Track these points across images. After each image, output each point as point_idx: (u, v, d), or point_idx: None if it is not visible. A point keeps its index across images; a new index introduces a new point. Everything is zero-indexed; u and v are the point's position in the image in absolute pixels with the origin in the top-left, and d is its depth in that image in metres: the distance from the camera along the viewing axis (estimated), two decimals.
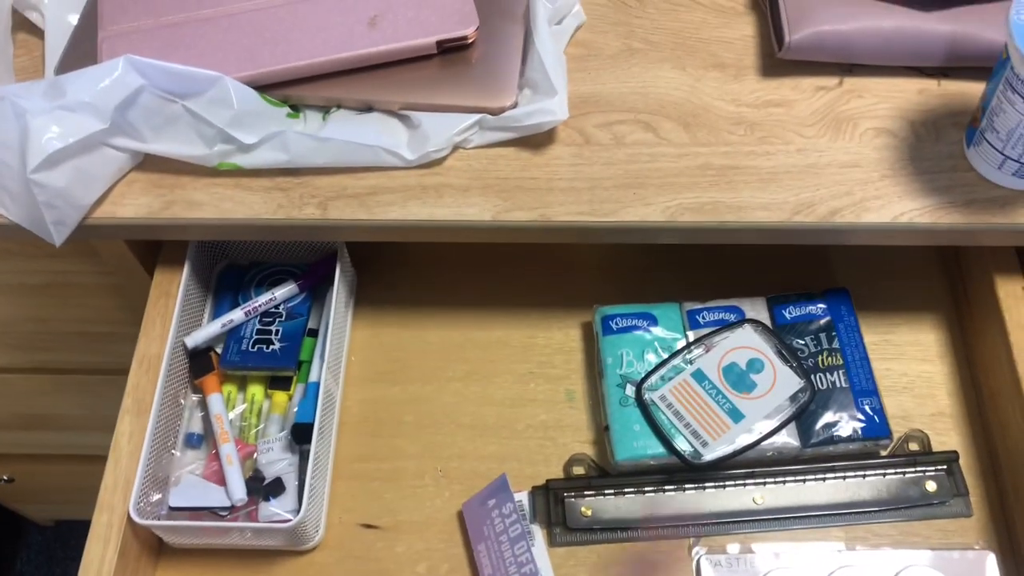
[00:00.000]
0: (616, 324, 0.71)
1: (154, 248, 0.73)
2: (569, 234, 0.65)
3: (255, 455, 0.67)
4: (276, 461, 0.66)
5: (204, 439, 0.69)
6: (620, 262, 0.79)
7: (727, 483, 0.67)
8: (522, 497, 0.67)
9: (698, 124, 0.68)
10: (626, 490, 0.67)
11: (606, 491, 0.67)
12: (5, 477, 1.21)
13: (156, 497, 0.64)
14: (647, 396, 0.68)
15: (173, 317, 0.69)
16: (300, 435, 0.65)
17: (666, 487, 0.67)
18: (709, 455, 0.66)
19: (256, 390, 0.71)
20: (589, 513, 0.66)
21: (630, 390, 0.68)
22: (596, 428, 0.71)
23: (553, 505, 0.67)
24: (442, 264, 0.79)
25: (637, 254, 0.79)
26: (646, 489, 0.67)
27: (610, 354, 0.70)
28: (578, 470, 0.69)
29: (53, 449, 1.15)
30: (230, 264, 0.76)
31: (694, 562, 0.65)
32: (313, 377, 0.69)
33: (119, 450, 0.64)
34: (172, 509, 0.64)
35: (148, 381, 0.67)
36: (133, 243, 0.72)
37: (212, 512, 0.64)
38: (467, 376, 0.74)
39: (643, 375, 0.69)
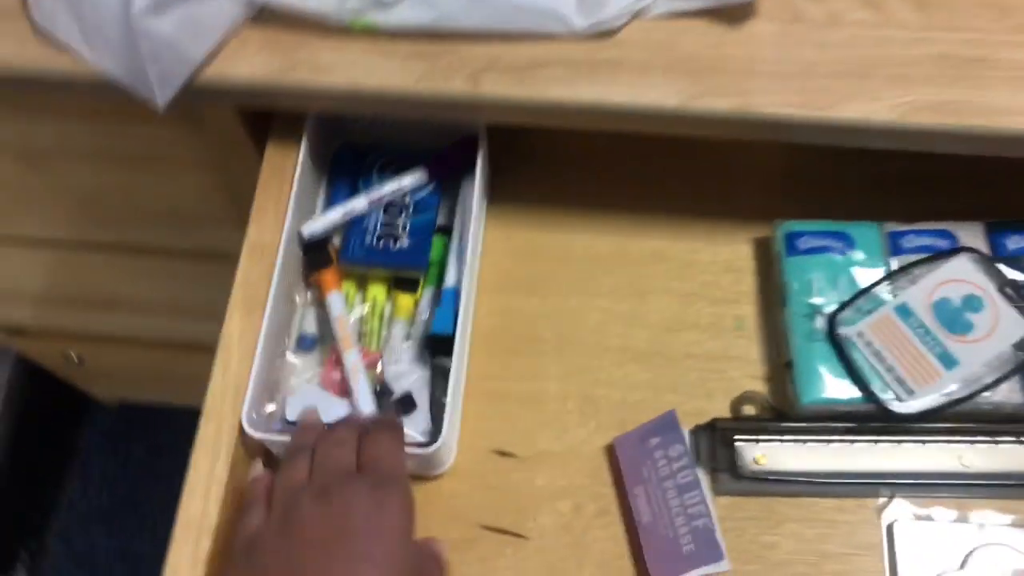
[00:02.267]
0: (804, 244, 0.60)
1: (263, 123, 0.63)
2: (773, 129, 0.54)
3: (379, 365, 0.59)
4: (405, 374, 0.58)
5: (318, 343, 0.61)
6: (803, 170, 0.67)
7: (929, 439, 0.57)
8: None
9: (935, 3, 0.55)
10: (808, 438, 0.57)
11: (784, 437, 0.57)
12: (76, 356, 1.16)
13: (270, 408, 0.56)
14: (841, 331, 0.57)
15: (289, 202, 0.59)
16: (437, 347, 0.56)
17: (856, 438, 0.57)
18: (913, 405, 0.56)
19: (378, 291, 0.62)
20: (763, 461, 0.57)
21: (820, 322, 0.58)
22: (770, 363, 0.61)
23: (719, 448, 0.57)
24: (592, 159, 0.68)
25: (824, 162, 0.67)
26: (832, 439, 0.57)
27: (796, 278, 0.59)
28: (750, 410, 0.59)
29: (129, 332, 1.08)
30: (347, 144, 0.65)
31: (883, 527, 0.56)
32: (450, 282, 0.59)
33: (228, 352, 0.56)
34: (288, 423, 0.56)
35: (260, 274, 0.58)
36: (243, 113, 0.62)
37: None
38: (616, 292, 0.63)
39: (837, 306, 0.58)
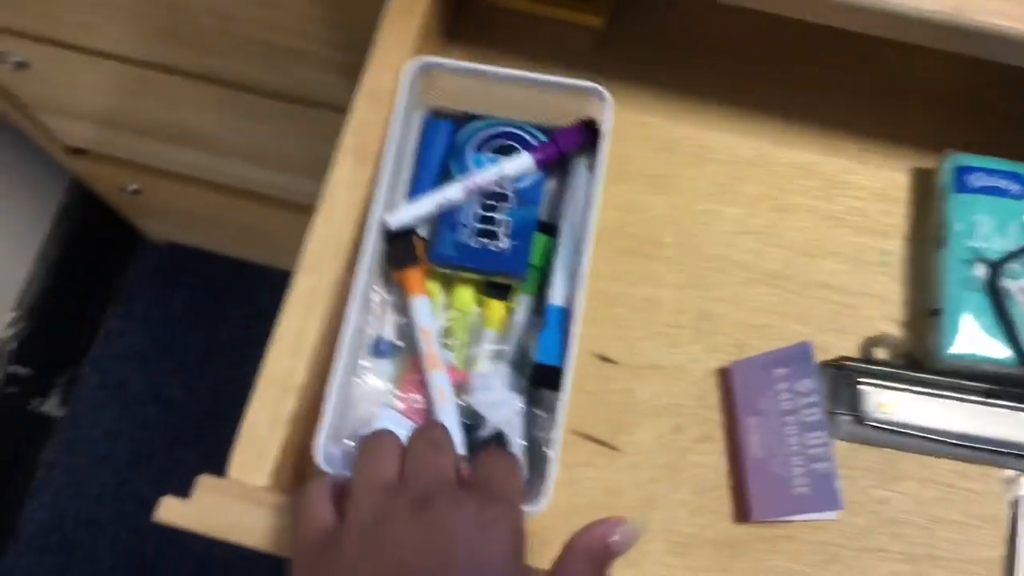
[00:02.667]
0: (975, 181, 0.54)
1: None
2: (985, 43, 0.47)
3: (468, 389, 0.51)
4: (497, 404, 0.50)
5: (395, 351, 0.52)
6: (979, 100, 0.60)
7: None
8: None
9: None
10: (943, 393, 0.52)
11: (916, 388, 0.52)
12: (133, 188, 1.11)
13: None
14: (1005, 283, 0.52)
15: (411, 48, 0.53)
16: (541, 379, 0.49)
17: (996, 401, 0.52)
18: None
19: (464, 294, 0.53)
20: (889, 409, 0.52)
21: (980, 270, 0.52)
22: (914, 307, 0.55)
23: (843, 389, 0.52)
24: (746, 54, 0.61)
25: (1009, 93, 0.59)
26: (969, 398, 0.52)
27: (960, 218, 0.53)
28: (881, 353, 0.54)
29: (192, 170, 1.03)
30: (436, 112, 0.57)
31: (1009, 499, 0.51)
32: (556, 299, 0.51)
33: (333, 201, 0.51)
34: None
35: (376, 120, 0.52)
36: None
37: None
38: (753, 203, 0.58)
39: (1003, 255, 0.52)
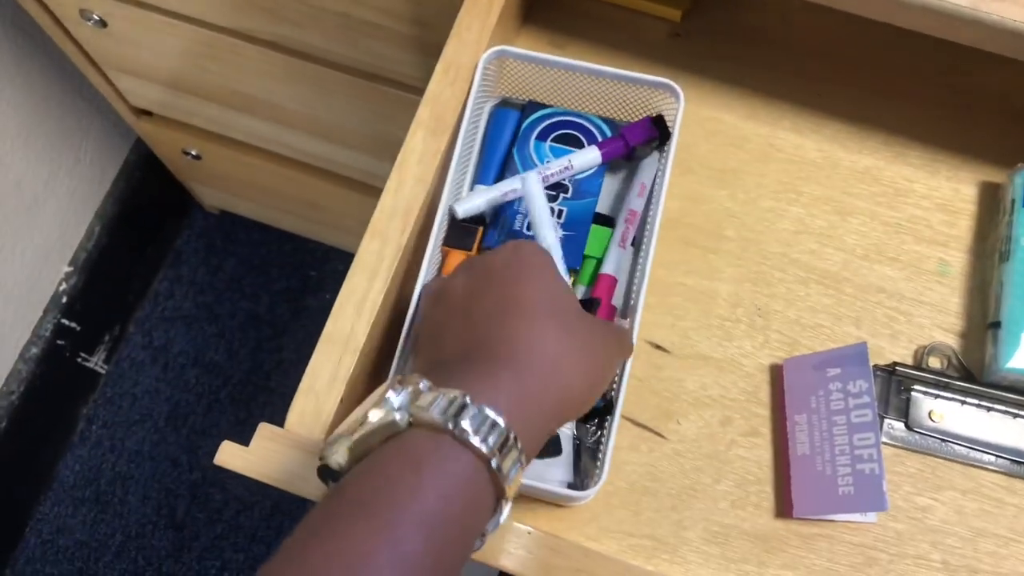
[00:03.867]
0: None
1: None
2: None
3: None
4: None
5: None
6: None
7: None
8: None
9: None
10: (995, 406, 0.52)
11: (968, 399, 0.52)
12: (194, 152, 1.14)
13: None
14: None
15: (491, 26, 0.54)
16: (593, 412, 0.50)
17: None
18: None
19: None
20: (939, 419, 0.52)
21: None
22: (969, 318, 0.55)
23: (894, 394, 0.53)
24: (811, 52, 0.61)
25: None
26: (1022, 413, 0.52)
27: None
28: (935, 362, 0.54)
29: (253, 139, 1.05)
30: (504, 102, 0.58)
31: None
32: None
33: (404, 170, 0.52)
34: None
35: (452, 95, 0.53)
36: None
37: None
38: (815, 203, 0.58)
39: None
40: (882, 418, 0.52)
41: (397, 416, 0.35)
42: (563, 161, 0.53)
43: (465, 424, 0.34)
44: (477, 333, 0.40)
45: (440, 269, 0.53)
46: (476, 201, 0.52)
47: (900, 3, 0.47)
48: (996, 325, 0.53)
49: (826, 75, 0.61)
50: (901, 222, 0.57)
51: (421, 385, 0.36)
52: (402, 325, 0.49)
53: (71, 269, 1.24)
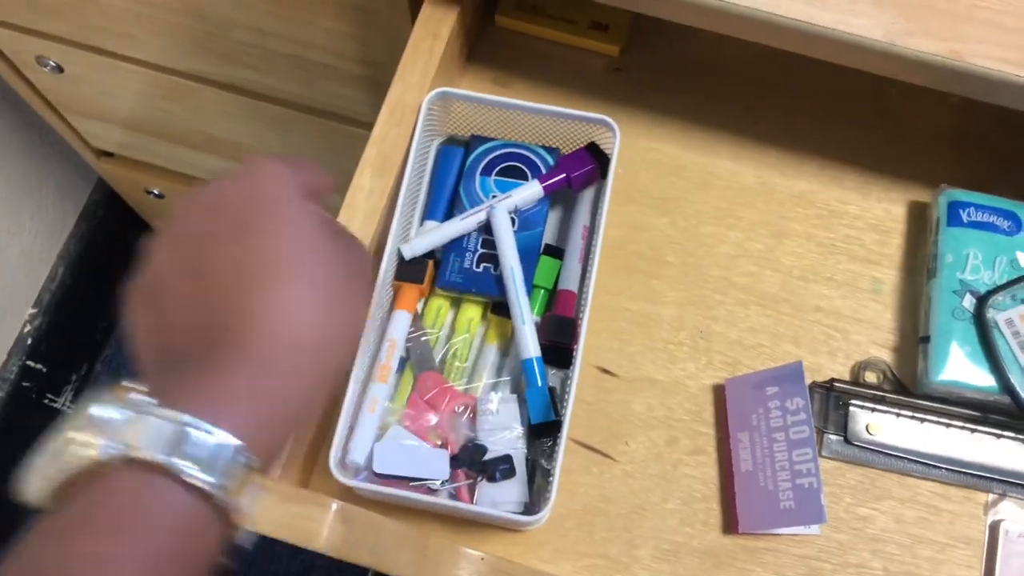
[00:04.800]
0: (968, 215, 0.56)
1: None
2: (979, 86, 0.49)
3: (476, 413, 0.52)
4: (499, 430, 0.51)
5: (408, 363, 0.54)
6: (975, 137, 0.62)
7: None
8: None
9: None
10: (928, 417, 0.54)
11: (903, 411, 0.54)
12: (157, 191, 1.15)
13: (358, 450, 0.50)
14: (991, 315, 0.54)
15: (435, 67, 0.56)
16: (543, 432, 0.51)
17: (979, 428, 0.54)
18: None
19: (472, 312, 0.55)
20: (876, 431, 0.54)
21: (968, 301, 0.54)
22: (902, 333, 0.57)
23: (833, 409, 0.55)
24: (747, 81, 0.64)
25: (1002, 132, 0.62)
26: (953, 423, 0.54)
27: (952, 250, 0.56)
28: (871, 377, 0.56)
29: (214, 175, 1.07)
30: (449, 139, 0.60)
31: (987, 523, 0.53)
32: (530, 352, 0.51)
33: (353, 208, 0.53)
34: (376, 475, 0.50)
35: (399, 135, 0.55)
36: None
37: (423, 483, 0.50)
38: (753, 227, 0.60)
39: (990, 287, 0.54)
40: (822, 432, 0.55)
41: (101, 447, 0.29)
42: (506, 202, 0.55)
43: (186, 460, 0.29)
44: (209, 305, 0.33)
45: (392, 303, 0.54)
46: (423, 241, 0.54)
47: (820, 38, 0.49)
48: (926, 339, 0.55)
49: (761, 103, 0.63)
50: (836, 242, 0.60)
51: (135, 400, 0.30)
52: (354, 362, 0.50)
53: (35, 311, 1.24)
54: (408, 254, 0.54)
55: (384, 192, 0.53)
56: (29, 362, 1.24)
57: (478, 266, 0.55)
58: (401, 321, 0.53)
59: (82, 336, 1.35)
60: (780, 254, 0.59)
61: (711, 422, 0.56)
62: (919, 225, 0.60)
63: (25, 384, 1.24)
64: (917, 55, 0.48)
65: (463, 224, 0.55)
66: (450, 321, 0.56)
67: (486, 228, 0.56)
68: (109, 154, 1.11)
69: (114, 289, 1.27)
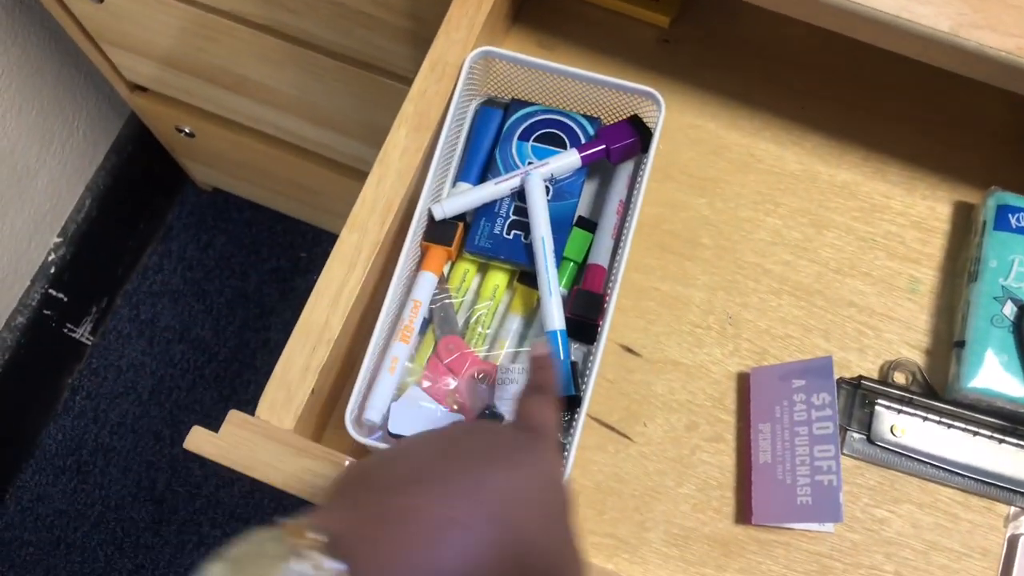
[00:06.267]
0: (1017, 221, 0.54)
1: None
2: None
3: (495, 381, 0.51)
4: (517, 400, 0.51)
5: (430, 326, 0.53)
6: None
7: None
8: None
9: None
10: (956, 423, 0.53)
11: (930, 415, 0.53)
12: (187, 130, 1.14)
13: (375, 409, 0.49)
14: None
15: (480, 24, 0.54)
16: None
17: (1007, 438, 0.53)
18: None
19: (499, 280, 0.55)
20: (902, 433, 0.53)
21: (1009, 309, 0.53)
22: (937, 336, 0.56)
23: (858, 407, 0.54)
24: (797, 64, 0.62)
25: None
26: (981, 432, 0.53)
27: (996, 255, 0.54)
28: (900, 378, 0.55)
29: (247, 120, 1.06)
30: (490, 101, 0.59)
31: (1007, 536, 0.52)
32: (555, 323, 0.50)
33: (386, 165, 0.52)
34: (391, 435, 0.50)
35: (438, 92, 0.54)
36: None
37: None
38: (792, 215, 0.59)
39: None
40: (845, 430, 0.54)
41: None
42: (543, 168, 0.54)
43: None
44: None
45: (419, 263, 0.54)
46: (455, 203, 0.53)
47: (882, 24, 0.47)
48: (960, 344, 0.53)
49: (810, 88, 0.61)
50: (876, 237, 0.58)
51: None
52: (376, 319, 0.49)
53: (60, 240, 1.24)
54: (439, 215, 0.53)
55: (419, 150, 0.52)
56: (51, 290, 1.25)
57: (508, 233, 0.54)
58: (427, 282, 0.53)
59: (105, 269, 1.35)
60: (818, 245, 0.58)
61: (732, 410, 0.55)
62: (964, 226, 0.58)
63: (47, 312, 1.24)
64: (981, 49, 0.47)
65: (496, 189, 0.54)
66: (476, 287, 0.55)
67: (520, 195, 0.55)
68: (143, 89, 1.10)
69: (140, 224, 1.27)
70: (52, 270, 1.24)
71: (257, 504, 1.30)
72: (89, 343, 1.35)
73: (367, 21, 0.74)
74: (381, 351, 0.50)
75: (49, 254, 1.23)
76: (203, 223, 1.43)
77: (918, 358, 0.56)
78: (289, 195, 1.28)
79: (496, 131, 0.57)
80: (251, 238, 1.42)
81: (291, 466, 0.45)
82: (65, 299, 1.27)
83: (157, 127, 1.20)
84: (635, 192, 0.53)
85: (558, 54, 0.62)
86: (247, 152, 1.16)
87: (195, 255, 1.42)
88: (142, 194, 1.37)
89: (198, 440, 0.45)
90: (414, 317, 0.51)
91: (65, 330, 1.30)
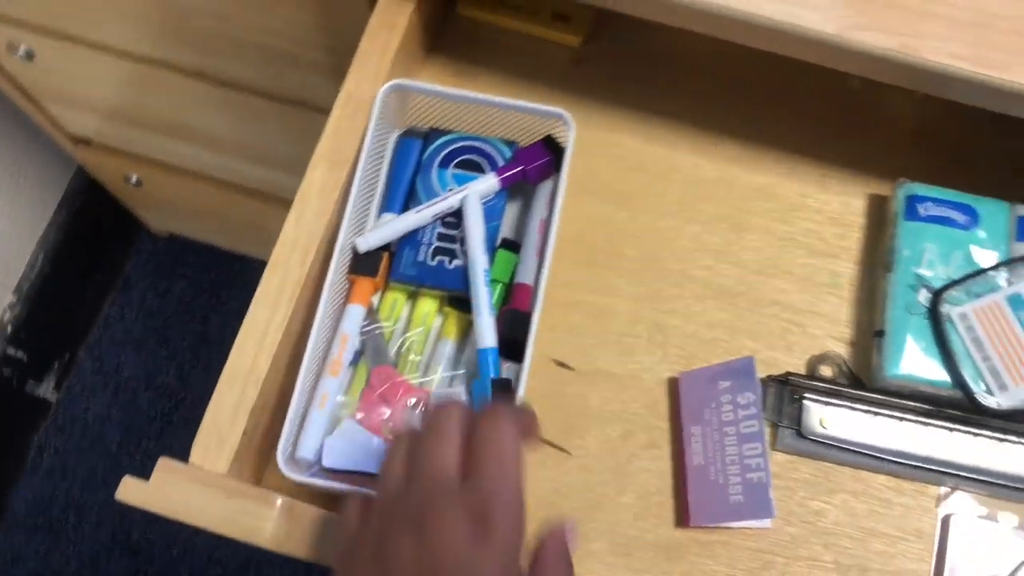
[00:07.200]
0: (925, 210, 0.56)
1: None
2: (932, 81, 0.49)
3: (424, 408, 0.52)
4: None
5: (362, 357, 0.54)
6: (933, 132, 0.62)
7: (1009, 439, 0.53)
8: None
9: None
10: (882, 411, 0.54)
11: (857, 405, 0.54)
12: (135, 179, 1.14)
13: (307, 445, 0.50)
14: (945, 309, 0.54)
15: (390, 58, 0.56)
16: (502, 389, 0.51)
17: (931, 421, 0.54)
18: (1003, 401, 0.52)
19: (429, 306, 0.55)
20: (829, 424, 0.54)
21: (924, 296, 0.54)
22: (859, 327, 0.57)
23: (787, 403, 0.55)
24: (709, 74, 0.63)
25: (958, 127, 0.62)
26: (906, 417, 0.54)
27: (908, 245, 0.55)
28: (826, 371, 0.56)
29: (192, 164, 1.06)
30: (408, 131, 0.59)
31: (939, 517, 0.53)
32: (487, 342, 0.51)
33: (305, 202, 0.53)
34: (325, 469, 0.50)
35: (352, 127, 0.55)
36: None
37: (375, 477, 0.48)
38: (712, 221, 0.60)
39: (945, 282, 0.54)
40: (776, 426, 0.55)
41: None
42: (460, 193, 0.55)
43: None
44: None
45: (346, 297, 0.54)
46: (378, 235, 0.54)
47: (775, 31, 0.49)
48: (880, 334, 0.55)
49: (724, 97, 0.63)
50: (795, 236, 0.60)
51: None
52: (303, 355, 0.50)
53: (15, 299, 1.24)
54: (363, 247, 0.54)
55: (337, 186, 0.53)
56: (10, 349, 1.24)
57: (433, 259, 0.55)
58: (354, 315, 0.53)
59: (64, 323, 1.35)
60: (739, 248, 0.59)
61: (665, 415, 0.56)
62: (878, 219, 0.59)
63: (6, 371, 1.24)
64: (869, 49, 0.48)
65: (418, 217, 0.55)
66: (407, 315, 0.56)
67: (442, 221, 0.56)
68: (86, 141, 1.10)
69: (96, 275, 1.27)
70: (8, 329, 1.24)
71: (234, 548, 1.30)
72: (53, 399, 1.35)
73: (293, 61, 0.75)
74: (311, 387, 0.51)
75: (4, 313, 1.23)
76: (161, 269, 1.43)
77: (843, 350, 0.57)
78: (243, 235, 1.29)
79: (416, 161, 0.58)
80: (210, 281, 1.42)
81: (223, 509, 0.46)
82: (25, 358, 1.27)
83: (104, 178, 1.20)
84: (552, 210, 0.54)
85: (476, 81, 0.63)
86: (197, 196, 1.16)
87: (155, 302, 1.42)
88: (96, 245, 1.37)
89: (129, 490, 0.46)
90: (343, 350, 0.52)
91: (27, 388, 1.30)
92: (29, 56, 0.89)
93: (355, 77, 0.56)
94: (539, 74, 0.63)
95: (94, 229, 1.34)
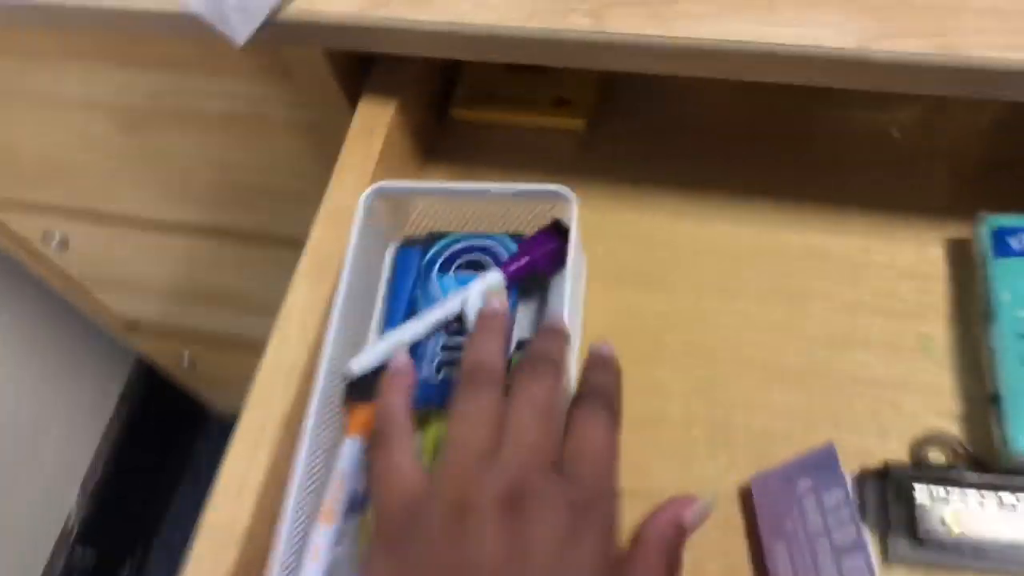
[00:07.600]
0: (1017, 242, 0.46)
1: (360, 73, 0.56)
2: (982, 79, 0.41)
3: None
4: None
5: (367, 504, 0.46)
6: (1011, 156, 0.53)
7: None
8: None
9: None
10: (1018, 497, 0.42)
11: (984, 494, 0.43)
12: (187, 359, 1.12)
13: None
14: None
15: (371, 167, 0.51)
16: None
17: None
18: None
19: (441, 430, 0.46)
20: (954, 524, 0.42)
21: None
22: (966, 395, 0.46)
23: (893, 502, 0.43)
24: (729, 136, 0.56)
25: None
26: None
27: (1006, 286, 0.45)
28: (937, 456, 0.45)
29: (234, 330, 1.03)
30: (408, 241, 0.54)
31: None
32: None
33: (287, 326, 0.47)
34: None
35: (334, 239, 0.49)
36: (336, 61, 0.54)
37: None
38: (763, 294, 0.51)
39: None
40: (885, 533, 0.43)
41: None
42: (460, 296, 0.48)
43: None
44: None
45: (344, 430, 0.47)
46: (371, 354, 0.47)
47: (774, 58, 0.42)
48: (996, 399, 0.44)
49: (752, 156, 0.55)
50: (865, 298, 0.50)
51: None
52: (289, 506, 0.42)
53: (81, 496, 1.21)
54: (356, 369, 0.47)
55: (323, 303, 0.47)
56: (78, 546, 1.20)
57: (438, 374, 0.47)
58: (352, 450, 0.46)
59: (134, 518, 1.31)
60: (799, 321, 0.50)
61: (743, 532, 0.45)
62: (962, 263, 0.49)
63: (76, 573, 1.19)
64: (902, 57, 0.41)
65: (416, 327, 0.48)
66: (417, 446, 0.48)
67: (446, 330, 0.48)
68: (135, 325, 1.10)
69: (164, 467, 1.23)
70: (76, 528, 1.20)
71: None
72: None
73: (306, 199, 0.72)
74: (299, 539, 0.43)
75: (70, 513, 1.20)
76: None
77: (953, 426, 0.46)
78: None
79: (416, 270, 0.52)
80: None
81: None
82: (95, 556, 1.23)
83: (161, 362, 1.19)
84: (567, 301, 0.46)
85: (480, 182, 0.58)
86: (251, 367, 1.13)
87: None
88: (164, 434, 1.35)
89: None
90: (337, 493, 0.44)
91: None
92: (64, 244, 0.89)
93: (335, 187, 0.51)
94: (546, 164, 0.57)
95: (159, 418, 1.32)
